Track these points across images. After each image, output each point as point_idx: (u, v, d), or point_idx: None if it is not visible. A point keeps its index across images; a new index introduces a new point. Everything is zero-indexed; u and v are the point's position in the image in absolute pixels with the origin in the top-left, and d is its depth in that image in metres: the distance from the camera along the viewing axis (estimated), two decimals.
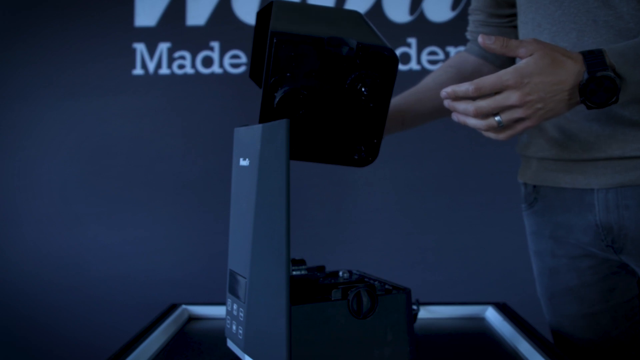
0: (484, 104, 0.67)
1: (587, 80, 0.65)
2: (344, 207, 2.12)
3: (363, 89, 0.62)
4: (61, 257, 2.14)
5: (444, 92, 0.70)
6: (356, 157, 0.68)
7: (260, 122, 0.62)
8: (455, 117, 0.72)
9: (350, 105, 0.64)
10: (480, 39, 0.68)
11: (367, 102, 0.63)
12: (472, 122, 0.70)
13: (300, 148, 0.66)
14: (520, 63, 0.66)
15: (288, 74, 0.60)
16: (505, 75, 0.65)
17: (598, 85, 0.65)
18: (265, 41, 0.68)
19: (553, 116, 0.68)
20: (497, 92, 0.67)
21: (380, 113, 0.65)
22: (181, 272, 2.11)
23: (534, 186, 0.93)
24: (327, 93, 0.62)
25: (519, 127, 0.69)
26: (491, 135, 0.71)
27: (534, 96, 0.65)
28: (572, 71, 0.66)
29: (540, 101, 0.66)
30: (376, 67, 0.62)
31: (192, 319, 0.96)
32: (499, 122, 0.68)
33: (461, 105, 0.69)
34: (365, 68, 0.61)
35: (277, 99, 0.60)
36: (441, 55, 2.08)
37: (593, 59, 0.66)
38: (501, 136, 0.70)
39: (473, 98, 0.68)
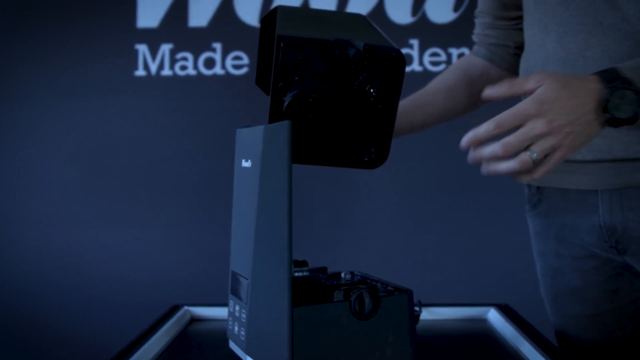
0: (511, 138, 0.63)
1: (608, 95, 0.63)
2: (345, 208, 2.12)
3: (371, 90, 0.62)
4: (61, 257, 2.13)
5: (464, 142, 0.65)
6: (366, 159, 0.68)
7: None
8: (484, 169, 0.67)
9: (359, 107, 0.64)
10: (485, 94, 0.66)
11: (376, 103, 0.63)
12: (504, 166, 0.65)
13: (310, 152, 0.66)
14: (535, 92, 0.64)
15: (296, 78, 0.60)
16: (523, 105, 0.62)
17: (621, 98, 0.63)
18: (271, 46, 0.68)
19: (585, 141, 0.65)
20: (519, 127, 0.63)
21: (389, 114, 0.65)
22: (182, 272, 2.11)
23: (538, 187, 0.93)
24: (336, 95, 0.62)
25: (553, 159, 0.65)
26: (526, 178, 0.67)
27: (561, 120, 0.62)
28: (591, 90, 0.64)
29: (568, 125, 0.63)
30: (384, 68, 0.61)
31: (194, 320, 0.95)
32: (531, 156, 0.63)
33: (487, 150, 0.65)
34: (373, 69, 0.61)
35: (285, 103, 0.60)
36: (443, 57, 2.07)
37: (608, 75, 0.64)
38: (537, 174, 0.66)
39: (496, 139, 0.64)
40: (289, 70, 0.60)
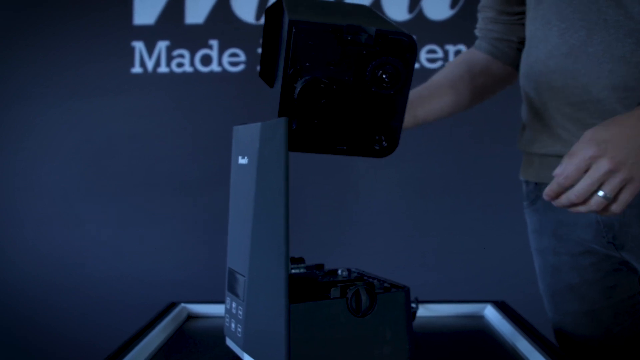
0: (579, 187, 0.65)
1: None
2: (344, 206, 2.12)
3: (384, 76, 0.62)
4: (61, 257, 2.14)
5: (548, 195, 0.69)
6: (377, 147, 0.67)
7: (280, 114, 0.62)
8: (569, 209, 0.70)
9: (370, 94, 0.64)
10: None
11: (388, 89, 0.63)
12: (583, 208, 0.68)
13: (320, 140, 0.65)
14: (584, 136, 0.66)
15: (307, 64, 0.60)
16: (582, 151, 0.64)
17: None
18: (276, 37, 0.68)
19: None
20: (585, 171, 0.65)
21: (400, 101, 0.65)
22: (181, 271, 2.11)
23: (536, 183, 0.93)
24: (348, 82, 0.62)
25: (628, 192, 0.66)
26: (608, 213, 0.69)
27: (622, 155, 0.64)
28: (635, 118, 0.66)
29: (630, 157, 0.64)
30: (396, 54, 0.61)
31: (191, 317, 0.96)
32: (604, 197, 0.65)
33: (564, 199, 0.67)
34: (385, 55, 0.61)
35: (297, 90, 0.60)
36: (440, 54, 2.07)
37: None
38: (616, 208, 0.67)
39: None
40: (301, 56, 0.60)
